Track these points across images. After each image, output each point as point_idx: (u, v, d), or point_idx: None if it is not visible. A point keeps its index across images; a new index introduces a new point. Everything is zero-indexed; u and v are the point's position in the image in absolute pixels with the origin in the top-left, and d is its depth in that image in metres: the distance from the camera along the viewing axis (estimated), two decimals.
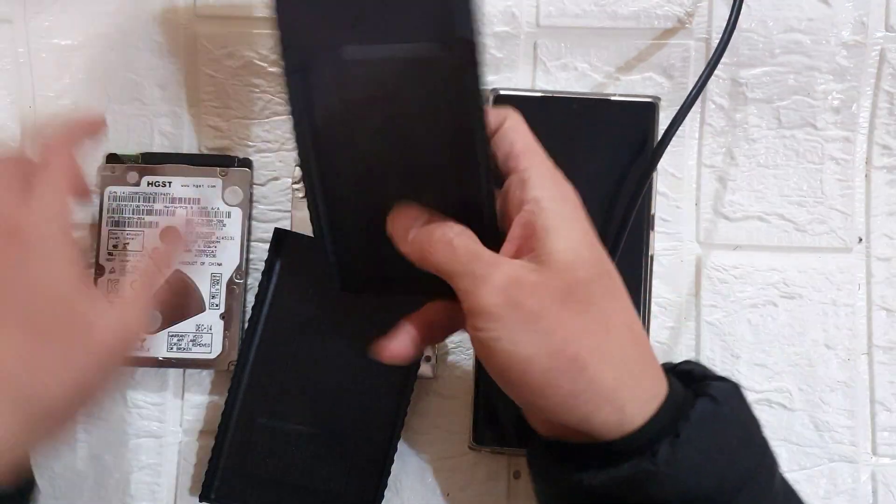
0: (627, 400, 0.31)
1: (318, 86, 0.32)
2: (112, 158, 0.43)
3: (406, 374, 0.41)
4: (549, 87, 0.44)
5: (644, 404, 0.31)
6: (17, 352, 0.32)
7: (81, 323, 0.33)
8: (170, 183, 0.43)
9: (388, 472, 0.41)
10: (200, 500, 0.41)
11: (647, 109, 0.43)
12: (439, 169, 0.33)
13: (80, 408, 0.35)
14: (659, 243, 0.44)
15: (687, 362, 0.36)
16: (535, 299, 0.31)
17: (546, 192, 0.32)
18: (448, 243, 0.32)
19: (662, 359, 0.44)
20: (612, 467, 0.31)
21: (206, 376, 0.44)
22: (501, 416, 0.42)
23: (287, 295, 0.41)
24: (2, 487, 0.31)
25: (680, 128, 0.44)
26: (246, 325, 0.42)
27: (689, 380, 0.34)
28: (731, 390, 0.34)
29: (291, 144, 0.44)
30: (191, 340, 0.42)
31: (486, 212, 0.33)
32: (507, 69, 0.44)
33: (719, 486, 0.31)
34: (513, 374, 0.31)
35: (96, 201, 0.43)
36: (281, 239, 0.42)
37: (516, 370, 0.31)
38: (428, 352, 0.42)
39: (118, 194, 0.43)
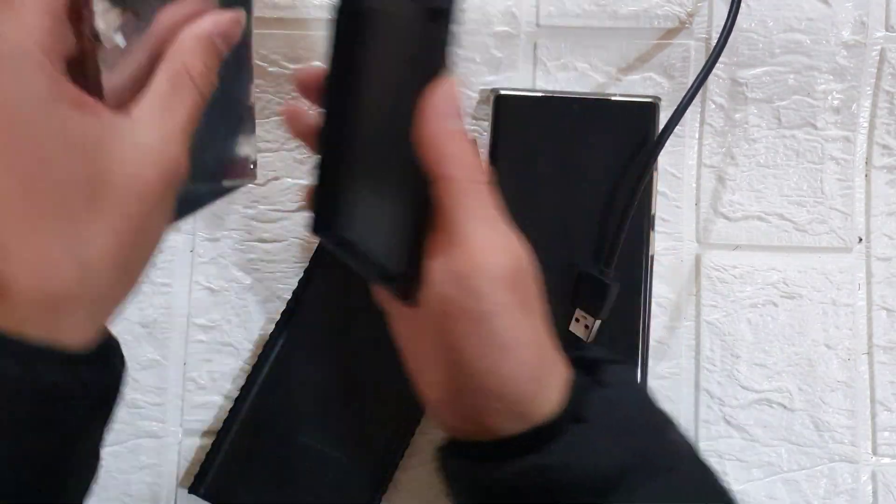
0: (537, 397, 0.31)
1: (346, 30, 0.33)
2: None
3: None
4: (549, 87, 0.44)
5: (547, 401, 0.31)
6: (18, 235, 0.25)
7: (87, 164, 0.26)
8: None
9: (384, 491, 0.41)
10: (189, 492, 0.41)
11: (648, 109, 0.43)
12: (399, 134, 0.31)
13: (131, 278, 0.29)
14: (659, 243, 0.44)
15: (579, 347, 0.35)
16: (531, 284, 0.31)
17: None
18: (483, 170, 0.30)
19: (662, 358, 0.44)
20: (511, 461, 0.30)
21: (206, 376, 0.44)
22: None
23: (319, 306, 0.41)
24: (76, 351, 0.27)
25: (680, 128, 0.44)
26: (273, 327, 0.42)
27: (586, 365, 0.34)
28: (622, 372, 0.33)
29: (292, 144, 0.44)
30: None
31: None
32: (507, 69, 0.44)
33: (616, 466, 0.30)
34: (494, 357, 0.29)
35: None
36: (324, 248, 0.41)
37: (502, 352, 0.30)
38: None
39: None
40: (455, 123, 0.30)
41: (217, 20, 0.31)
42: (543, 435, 0.31)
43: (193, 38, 0.30)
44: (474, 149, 0.30)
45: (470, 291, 0.29)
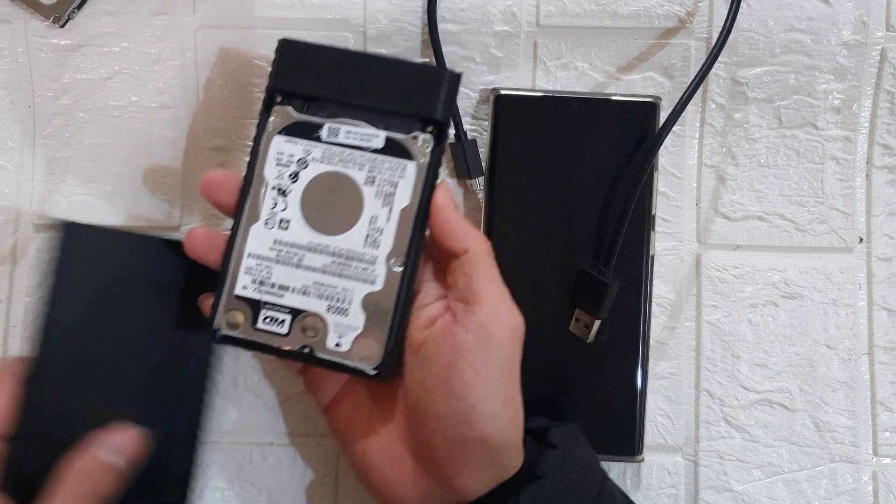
0: (516, 449, 0.35)
1: None
2: None
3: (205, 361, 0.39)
4: (550, 87, 0.44)
5: (519, 455, 0.35)
6: None
7: None
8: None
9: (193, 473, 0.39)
10: None
11: (648, 109, 0.43)
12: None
13: None
14: (659, 243, 0.44)
15: (529, 420, 0.39)
16: (521, 345, 0.35)
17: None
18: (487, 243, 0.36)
19: (662, 358, 0.44)
20: None
21: None
22: None
23: (76, 292, 0.38)
24: None
25: (680, 128, 0.44)
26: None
27: (534, 433, 0.38)
28: (568, 432, 0.38)
29: None
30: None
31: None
32: (507, 69, 0.44)
33: None
34: (497, 402, 0.34)
35: None
36: (71, 232, 0.38)
37: (505, 398, 0.34)
38: None
39: None
40: (459, 212, 0.36)
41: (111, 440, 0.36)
42: (510, 489, 0.34)
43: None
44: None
45: (490, 337, 0.33)
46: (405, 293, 0.35)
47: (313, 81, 0.36)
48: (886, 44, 0.44)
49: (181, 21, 0.45)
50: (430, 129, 0.35)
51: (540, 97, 0.43)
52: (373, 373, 0.35)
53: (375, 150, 0.35)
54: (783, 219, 0.44)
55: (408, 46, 0.44)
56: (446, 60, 0.43)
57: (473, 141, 0.43)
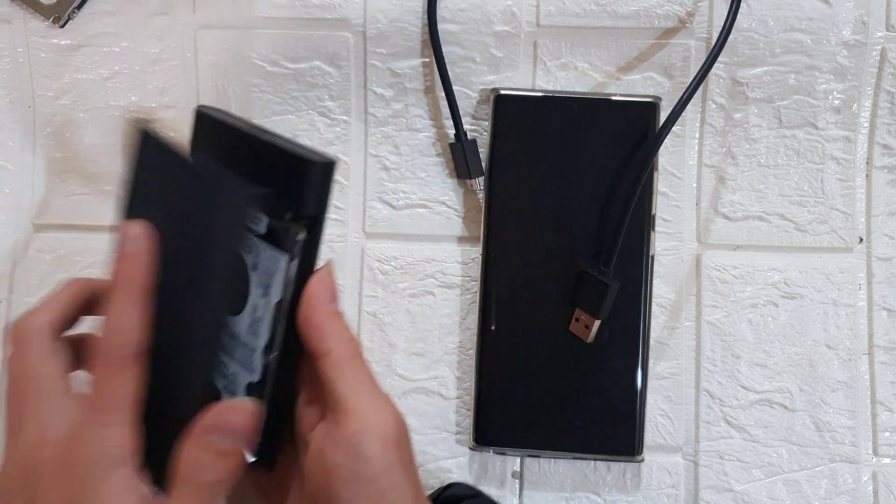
0: None
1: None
2: None
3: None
4: (550, 87, 0.44)
5: None
6: None
7: None
8: None
9: None
10: None
11: (648, 109, 0.43)
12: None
13: None
14: (659, 243, 0.44)
15: (448, 487, 0.38)
16: (409, 441, 0.32)
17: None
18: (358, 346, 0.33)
19: (662, 358, 0.44)
20: None
21: None
22: (501, 415, 0.42)
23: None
24: None
25: (680, 128, 0.44)
26: None
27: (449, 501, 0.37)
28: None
29: None
30: None
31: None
32: (507, 69, 0.44)
33: None
34: None
35: None
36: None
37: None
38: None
39: None
40: (332, 305, 0.32)
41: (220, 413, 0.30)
42: None
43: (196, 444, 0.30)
44: (346, 325, 0.33)
45: (359, 455, 0.30)
46: (278, 390, 0.33)
47: (214, 157, 0.34)
48: (886, 44, 0.44)
49: (181, 21, 0.45)
50: (303, 220, 0.32)
51: (540, 97, 0.43)
52: (251, 460, 0.32)
53: (259, 236, 0.32)
54: (783, 219, 0.44)
55: (408, 46, 0.44)
56: (446, 60, 0.43)
57: (473, 141, 0.43)
